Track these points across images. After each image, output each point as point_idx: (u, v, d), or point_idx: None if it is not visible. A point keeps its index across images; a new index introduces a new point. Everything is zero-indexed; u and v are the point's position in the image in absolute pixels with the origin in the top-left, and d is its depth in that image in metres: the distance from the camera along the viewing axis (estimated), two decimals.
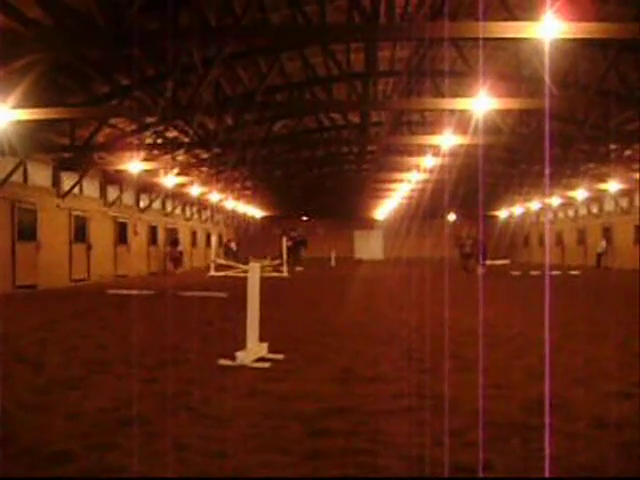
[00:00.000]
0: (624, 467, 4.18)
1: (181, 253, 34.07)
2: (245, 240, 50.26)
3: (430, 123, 27.59)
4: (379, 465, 4.24)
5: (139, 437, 4.78)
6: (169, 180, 29.71)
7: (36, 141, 20.02)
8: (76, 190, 24.26)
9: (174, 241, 34.02)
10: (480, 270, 26.85)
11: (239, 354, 7.58)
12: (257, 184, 39.34)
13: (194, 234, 40.85)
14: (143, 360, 7.73)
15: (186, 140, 25.61)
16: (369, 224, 60.00)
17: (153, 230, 33.12)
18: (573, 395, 6.03)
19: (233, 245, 44.97)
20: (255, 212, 54.35)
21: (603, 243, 37.68)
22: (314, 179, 41.40)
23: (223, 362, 7.55)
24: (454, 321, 11.19)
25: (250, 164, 28.57)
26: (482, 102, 16.03)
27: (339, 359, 8.02)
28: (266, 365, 7.49)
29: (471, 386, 6.09)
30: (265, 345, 8.08)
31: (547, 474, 3.84)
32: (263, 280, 8.90)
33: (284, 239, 30.87)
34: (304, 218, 57.16)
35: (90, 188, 26.31)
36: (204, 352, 8.23)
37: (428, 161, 27.69)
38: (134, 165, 24.38)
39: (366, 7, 14.47)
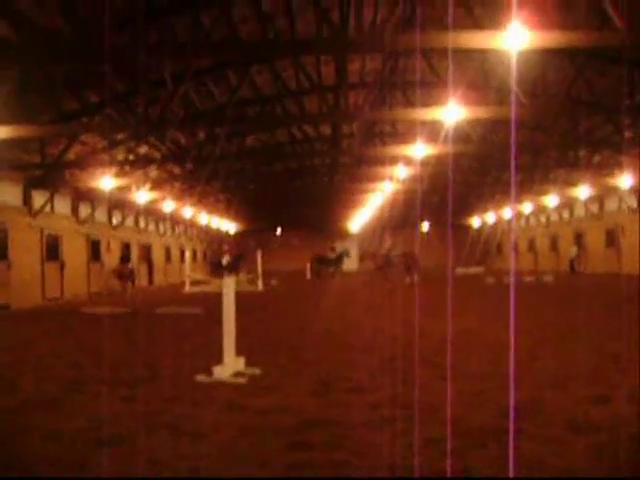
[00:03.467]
0: (597, 470, 4.23)
1: (132, 271, 30.00)
2: (245, 253, 41.69)
3: (401, 133, 27.76)
4: (359, 478, 4.25)
5: (115, 456, 4.74)
6: (141, 196, 29.50)
7: (6, 159, 19.80)
8: (47, 208, 24.04)
9: (124, 257, 31.19)
10: (407, 280, 27.10)
11: (216, 369, 7.55)
12: (231, 198, 39.20)
13: (168, 250, 40.61)
14: (119, 378, 7.66)
15: (158, 156, 25.50)
16: (343, 234, 60.02)
17: (127, 247, 32.87)
18: (549, 400, 6.08)
19: (225, 259, 38.46)
20: (229, 226, 54.13)
21: (574, 249, 38.17)
22: (288, 191, 41.32)
23: (200, 378, 7.51)
24: (429, 329, 11.22)
25: (223, 178, 28.51)
26: (452, 111, 16.20)
27: (316, 370, 8.01)
28: (243, 380, 7.45)
29: (447, 394, 6.10)
30: (242, 359, 8.05)
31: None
32: (238, 295, 8.86)
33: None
34: (278, 231, 57.05)
35: (62, 206, 26.08)
36: (180, 368, 8.16)
37: (400, 171, 27.83)
38: (106, 182, 24.23)
39: (335, 19, 14.56)
